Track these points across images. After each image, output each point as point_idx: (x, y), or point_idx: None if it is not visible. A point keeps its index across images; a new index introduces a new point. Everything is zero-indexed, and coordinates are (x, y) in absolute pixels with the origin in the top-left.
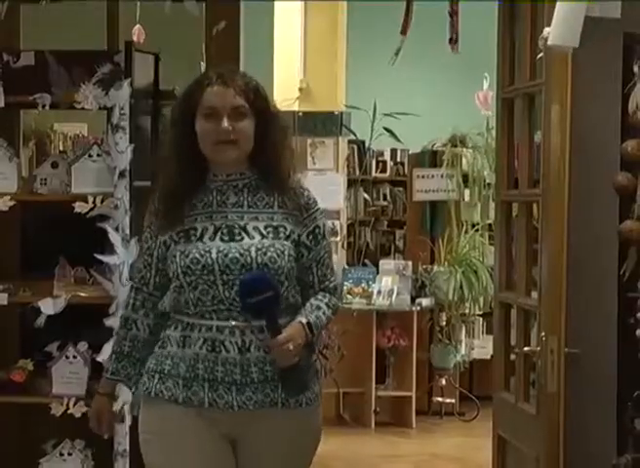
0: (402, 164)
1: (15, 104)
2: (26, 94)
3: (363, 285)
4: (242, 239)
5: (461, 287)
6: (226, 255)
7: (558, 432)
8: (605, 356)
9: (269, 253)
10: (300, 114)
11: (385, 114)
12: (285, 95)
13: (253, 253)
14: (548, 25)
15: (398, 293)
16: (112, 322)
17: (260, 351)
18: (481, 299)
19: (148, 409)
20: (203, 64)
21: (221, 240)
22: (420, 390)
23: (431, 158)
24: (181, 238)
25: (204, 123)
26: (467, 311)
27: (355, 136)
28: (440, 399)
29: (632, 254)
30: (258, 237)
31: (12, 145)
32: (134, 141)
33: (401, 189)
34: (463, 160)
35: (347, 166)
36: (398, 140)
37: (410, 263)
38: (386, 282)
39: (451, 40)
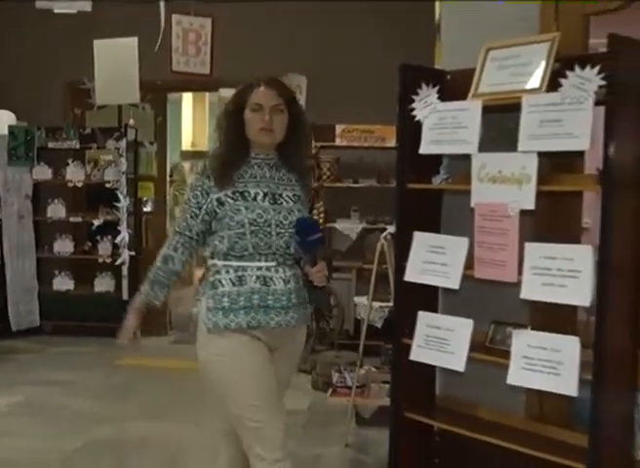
0: None
1: (83, 148)
2: (87, 143)
3: None
4: (282, 203)
5: None
6: (279, 213)
7: None
8: None
9: (303, 213)
10: (192, 153)
11: None
12: (187, 148)
13: (296, 213)
14: None
15: None
16: (122, 229)
17: (295, 283)
18: None
19: (219, 338)
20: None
21: (269, 202)
22: None
23: None
24: (238, 197)
25: (252, 114)
26: None
27: None
28: None
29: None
30: (291, 202)
31: (82, 163)
32: (127, 160)
33: None
34: None
35: None
36: None
37: None
38: None
39: None
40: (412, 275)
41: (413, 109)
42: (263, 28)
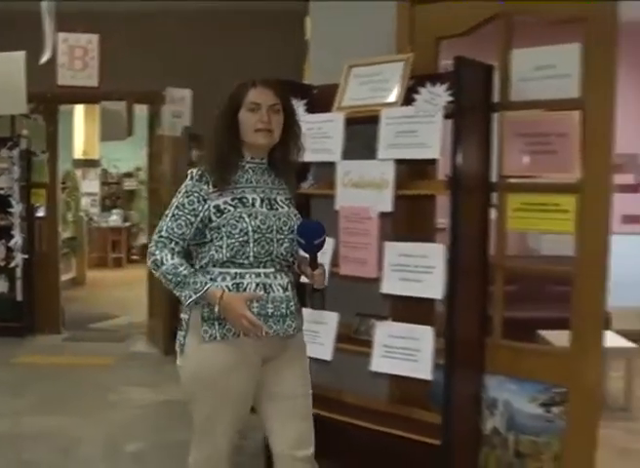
0: (119, 177)
1: None
2: None
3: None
4: (277, 209)
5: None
6: (279, 219)
7: None
8: None
9: (298, 217)
10: (84, 161)
11: (112, 159)
12: (79, 156)
13: (293, 218)
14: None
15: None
16: (15, 233)
17: (291, 290)
18: None
19: (216, 352)
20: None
21: (267, 208)
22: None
23: (129, 174)
24: (238, 204)
25: (248, 114)
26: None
27: (105, 168)
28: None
29: None
30: (285, 207)
31: None
32: (19, 168)
33: (119, 185)
34: (140, 174)
35: (101, 178)
36: (115, 167)
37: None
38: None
39: None
40: None
41: None
42: (150, 43)
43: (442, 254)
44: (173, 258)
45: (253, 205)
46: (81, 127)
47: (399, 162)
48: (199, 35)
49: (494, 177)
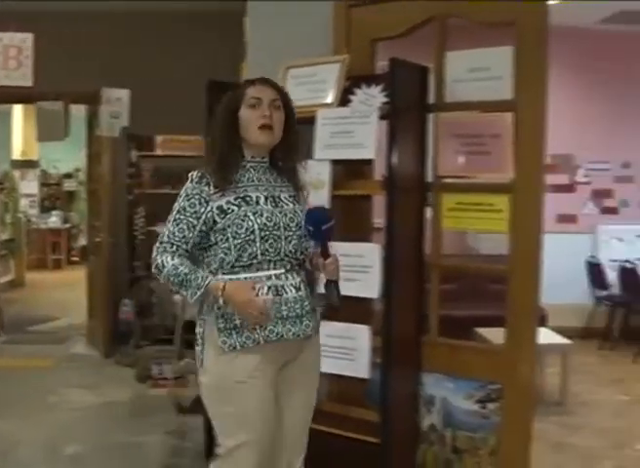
0: (59, 178)
1: None
2: None
3: None
4: (282, 206)
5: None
6: (285, 216)
7: None
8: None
9: (304, 214)
10: (22, 161)
11: (51, 160)
12: (17, 157)
13: (300, 214)
14: None
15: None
16: None
17: (304, 289)
18: None
19: (236, 360)
20: None
21: (271, 206)
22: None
23: (69, 175)
24: (241, 203)
25: (249, 111)
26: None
27: (44, 169)
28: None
29: None
30: (290, 204)
31: None
32: None
33: (59, 186)
34: (80, 175)
35: (40, 179)
36: (55, 168)
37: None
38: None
39: None
40: None
41: None
42: (86, 44)
43: (378, 254)
44: (173, 260)
45: (257, 203)
46: (19, 127)
47: (335, 162)
48: (137, 35)
49: (429, 178)
